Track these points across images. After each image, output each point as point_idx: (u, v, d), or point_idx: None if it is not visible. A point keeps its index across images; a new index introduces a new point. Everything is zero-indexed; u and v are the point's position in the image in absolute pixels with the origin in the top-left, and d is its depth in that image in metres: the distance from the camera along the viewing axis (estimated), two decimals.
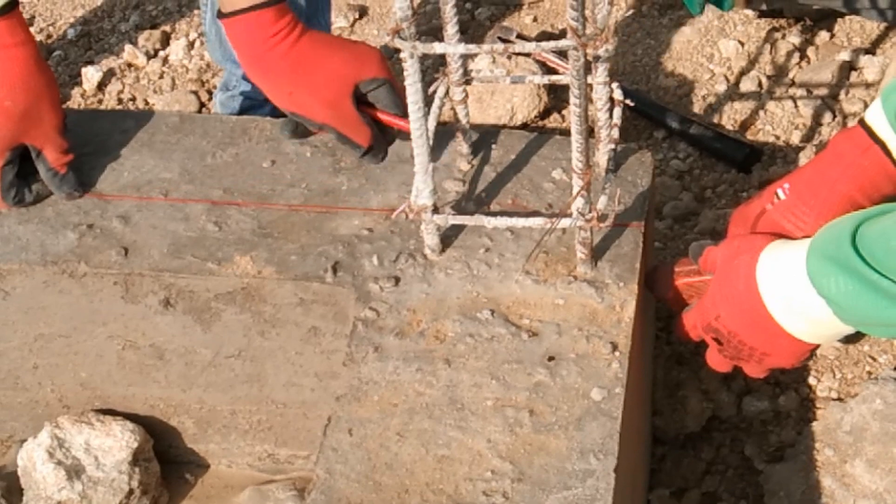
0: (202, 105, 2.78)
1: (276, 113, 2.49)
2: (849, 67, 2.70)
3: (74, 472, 1.85)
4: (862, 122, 1.69)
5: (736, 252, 1.66)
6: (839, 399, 2.10)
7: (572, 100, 1.54)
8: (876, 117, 1.67)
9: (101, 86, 2.85)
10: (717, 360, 1.78)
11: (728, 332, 1.68)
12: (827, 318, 1.55)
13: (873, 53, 2.74)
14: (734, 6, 2.45)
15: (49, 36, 3.01)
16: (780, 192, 1.73)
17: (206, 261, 1.79)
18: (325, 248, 1.78)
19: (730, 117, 2.64)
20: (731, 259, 1.66)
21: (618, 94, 1.80)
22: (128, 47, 2.93)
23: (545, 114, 2.68)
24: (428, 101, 1.64)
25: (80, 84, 2.86)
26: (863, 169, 1.67)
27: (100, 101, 2.83)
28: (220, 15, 1.77)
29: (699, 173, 2.55)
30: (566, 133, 1.72)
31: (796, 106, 2.64)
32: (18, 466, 1.89)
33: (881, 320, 1.49)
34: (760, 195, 1.77)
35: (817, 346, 1.67)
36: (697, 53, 2.77)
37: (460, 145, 1.87)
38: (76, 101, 2.83)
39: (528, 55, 2.67)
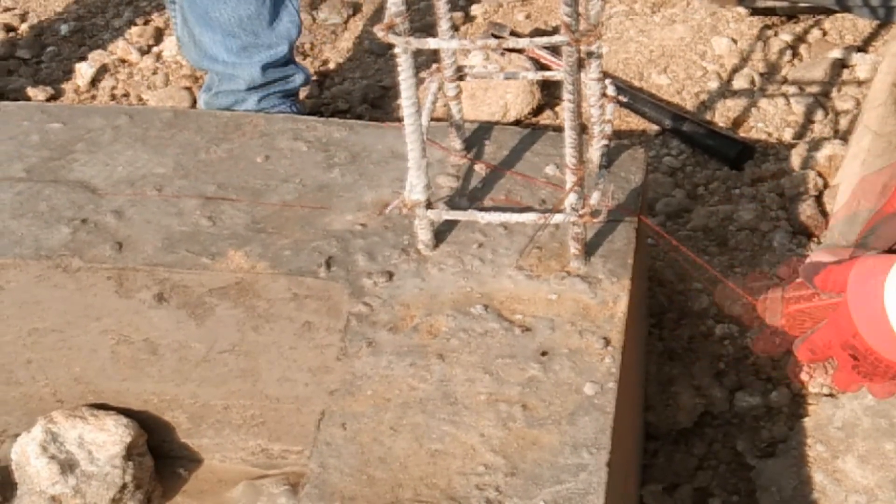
0: (195, 101, 2.78)
1: (262, 105, 2.51)
2: (841, 65, 2.71)
3: (68, 466, 1.86)
4: None
5: (870, 272, 1.65)
6: (831, 395, 2.11)
7: (565, 96, 1.54)
8: None
9: (95, 82, 2.85)
10: (846, 379, 1.76)
11: (865, 350, 1.67)
12: None
13: (865, 51, 2.75)
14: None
15: (42, 32, 3.01)
16: None
17: (199, 256, 1.79)
18: (318, 244, 1.79)
19: (722, 114, 2.65)
20: (866, 279, 1.65)
21: (611, 91, 1.81)
22: (121, 43, 2.93)
23: (538, 110, 2.68)
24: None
25: (73, 80, 2.86)
26: None
27: (93, 97, 2.83)
28: None
29: (692, 170, 2.56)
30: (559, 129, 1.72)
31: (788, 103, 2.65)
32: (12, 461, 1.89)
33: None
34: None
35: None
36: (690, 51, 2.77)
37: (454, 141, 1.88)
38: (69, 96, 2.83)
39: (521, 51, 2.68)
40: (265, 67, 2.47)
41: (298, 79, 2.55)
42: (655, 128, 2.63)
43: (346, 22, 2.96)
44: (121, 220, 1.84)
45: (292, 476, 1.92)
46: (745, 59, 2.74)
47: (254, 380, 1.87)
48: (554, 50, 2.70)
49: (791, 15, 2.83)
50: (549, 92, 2.69)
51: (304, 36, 2.93)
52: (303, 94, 2.76)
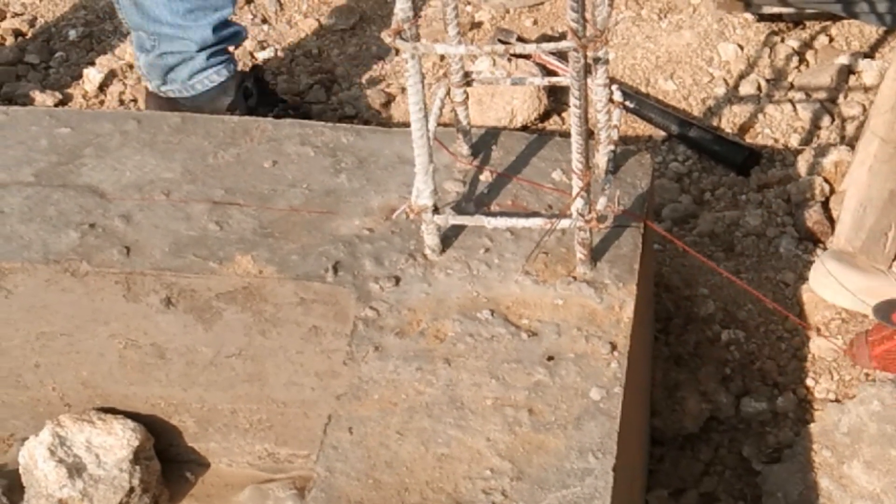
0: None
1: (210, 62, 2.51)
2: (847, 71, 2.71)
3: (76, 470, 1.86)
4: None
5: None
6: (837, 400, 2.11)
7: (572, 101, 1.54)
8: None
9: (103, 87, 2.86)
10: None
11: None
12: None
13: (872, 57, 2.75)
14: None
15: (51, 37, 3.01)
16: None
17: (207, 260, 1.79)
18: (325, 248, 1.79)
19: (729, 120, 2.65)
20: None
21: (617, 96, 1.81)
22: (129, 48, 2.93)
23: (545, 116, 2.68)
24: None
25: (81, 85, 2.87)
26: None
27: (101, 102, 2.84)
28: None
29: (698, 176, 2.56)
30: (566, 135, 1.72)
31: (795, 109, 2.65)
32: (20, 464, 1.90)
33: None
34: None
35: None
36: (697, 57, 2.78)
37: (461, 146, 1.88)
38: (78, 101, 2.83)
39: (528, 57, 2.68)
40: (216, 28, 2.54)
41: (242, 34, 2.64)
42: (662, 133, 2.64)
43: (352, 27, 2.97)
44: (129, 224, 1.84)
45: (299, 480, 1.93)
46: (751, 65, 2.74)
47: (261, 384, 1.87)
48: (561, 55, 2.70)
49: (798, 21, 2.83)
50: (556, 97, 2.70)
51: (311, 41, 2.93)
52: (297, 92, 2.77)
